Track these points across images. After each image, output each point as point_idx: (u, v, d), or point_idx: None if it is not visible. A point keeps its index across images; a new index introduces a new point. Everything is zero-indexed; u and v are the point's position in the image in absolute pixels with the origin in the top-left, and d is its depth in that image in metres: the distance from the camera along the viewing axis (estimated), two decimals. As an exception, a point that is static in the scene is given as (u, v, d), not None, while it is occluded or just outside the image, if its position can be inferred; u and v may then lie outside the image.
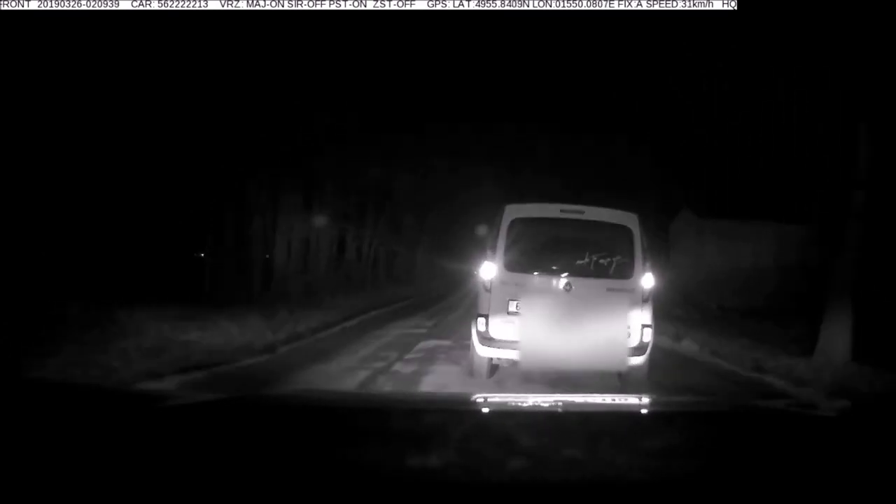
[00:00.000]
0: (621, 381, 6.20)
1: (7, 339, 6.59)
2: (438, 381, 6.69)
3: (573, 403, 2.12)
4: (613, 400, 2.83)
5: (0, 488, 0.98)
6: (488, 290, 5.82)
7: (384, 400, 2.54)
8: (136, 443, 1.23)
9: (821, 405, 2.88)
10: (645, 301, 5.78)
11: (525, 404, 2.11)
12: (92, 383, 4.92)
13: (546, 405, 2.01)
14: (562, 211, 5.97)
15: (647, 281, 5.82)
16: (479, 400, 2.41)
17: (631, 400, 2.87)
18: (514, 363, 6.01)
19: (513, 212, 5.98)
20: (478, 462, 1.13)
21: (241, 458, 1.14)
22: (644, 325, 5.72)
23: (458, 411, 1.76)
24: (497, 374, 6.66)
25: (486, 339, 5.80)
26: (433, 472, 1.07)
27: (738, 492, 1.04)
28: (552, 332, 5.46)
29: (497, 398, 3.06)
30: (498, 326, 5.75)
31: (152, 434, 1.32)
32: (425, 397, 3.04)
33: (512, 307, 5.74)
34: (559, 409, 1.89)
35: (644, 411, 2.01)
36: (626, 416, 1.81)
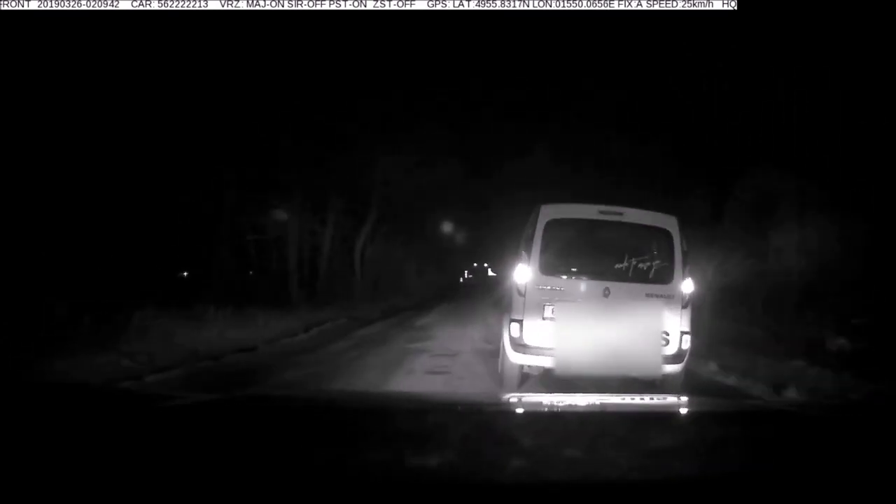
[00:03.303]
0: (657, 390, 6.06)
1: (7, 338, 6.59)
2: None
3: (573, 404, 2.12)
4: (613, 400, 2.83)
5: (3, 488, 0.98)
6: (522, 295, 5.68)
7: (386, 400, 2.53)
8: (137, 443, 1.23)
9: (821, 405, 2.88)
10: (684, 307, 5.73)
11: (525, 404, 2.11)
12: (93, 384, 4.91)
13: (546, 405, 2.01)
14: (600, 212, 5.83)
15: (687, 286, 5.76)
16: (479, 400, 2.41)
17: (631, 400, 2.87)
18: (544, 371, 5.85)
19: (549, 212, 5.83)
20: (479, 462, 1.13)
21: (243, 458, 1.15)
22: (683, 333, 5.66)
23: (459, 412, 1.77)
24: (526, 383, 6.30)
25: (520, 346, 5.64)
26: (435, 472, 1.07)
27: (737, 492, 1.04)
28: (589, 339, 5.36)
29: (497, 398, 3.06)
30: (532, 332, 5.61)
31: (153, 434, 1.32)
32: (428, 398, 3.04)
33: (547, 312, 5.61)
34: (559, 410, 1.89)
35: (644, 411, 2.01)
36: (627, 416, 1.81)
